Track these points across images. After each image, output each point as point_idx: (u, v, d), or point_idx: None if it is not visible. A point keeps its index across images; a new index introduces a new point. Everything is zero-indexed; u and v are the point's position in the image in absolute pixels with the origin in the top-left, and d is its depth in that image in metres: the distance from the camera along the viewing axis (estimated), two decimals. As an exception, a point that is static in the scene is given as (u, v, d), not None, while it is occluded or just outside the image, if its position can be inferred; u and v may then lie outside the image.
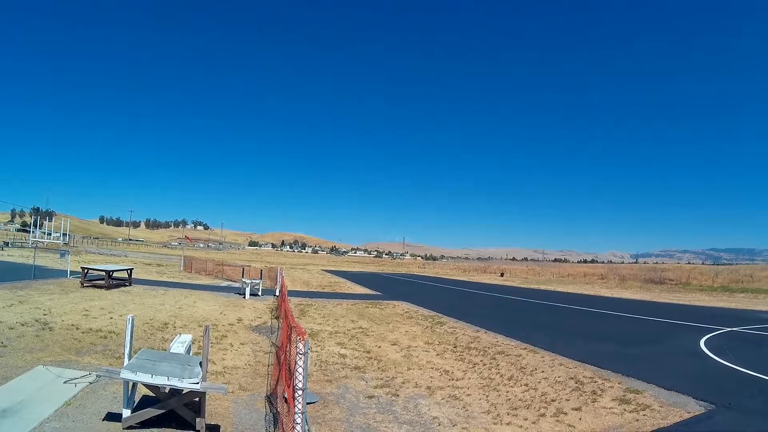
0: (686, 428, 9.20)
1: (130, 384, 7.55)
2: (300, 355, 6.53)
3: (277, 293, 26.30)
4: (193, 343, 10.60)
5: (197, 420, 7.56)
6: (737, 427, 9.37)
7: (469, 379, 12.37)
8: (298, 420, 6.36)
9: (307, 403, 8.23)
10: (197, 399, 7.66)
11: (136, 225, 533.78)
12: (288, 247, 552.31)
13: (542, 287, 62.65)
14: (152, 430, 7.48)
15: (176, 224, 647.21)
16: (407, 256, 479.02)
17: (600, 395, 11.17)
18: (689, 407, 10.43)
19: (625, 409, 10.15)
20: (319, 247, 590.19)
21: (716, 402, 10.76)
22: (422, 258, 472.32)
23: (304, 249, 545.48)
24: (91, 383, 9.28)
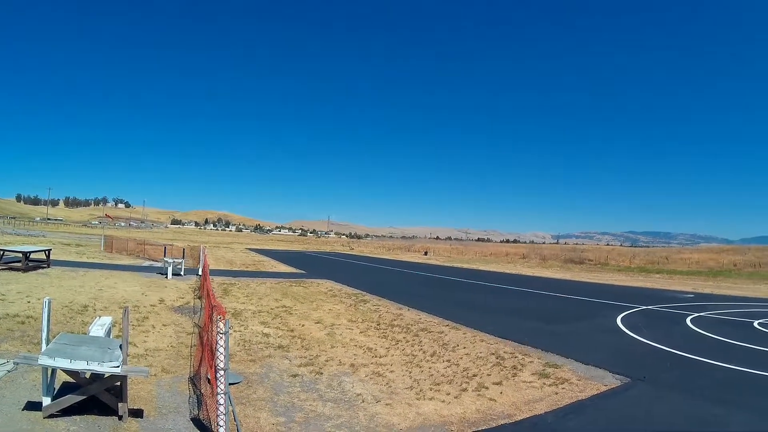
0: (603, 400, 9.72)
1: (49, 370, 7.19)
2: (221, 335, 6.42)
3: (200, 273, 25.75)
4: (113, 325, 10.24)
5: (119, 405, 7.32)
6: (651, 399, 9.99)
7: (393, 355, 12.53)
8: (221, 401, 6.31)
9: (231, 384, 8.12)
10: (119, 383, 7.42)
11: (54, 203, 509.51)
12: (212, 225, 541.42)
13: (465, 266, 64.22)
14: (74, 417, 7.18)
15: (96, 202, 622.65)
16: (332, 235, 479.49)
17: (520, 370, 11.61)
18: (606, 380, 11.04)
19: (544, 383, 10.59)
20: (243, 225, 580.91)
21: (631, 375, 11.45)
22: (347, 236, 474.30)
23: (228, 227, 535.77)
24: (9, 371, 8.80)
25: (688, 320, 20.97)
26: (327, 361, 11.66)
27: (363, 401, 8.91)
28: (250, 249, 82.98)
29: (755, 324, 20.41)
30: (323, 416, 8.04)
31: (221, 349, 6.41)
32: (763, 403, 9.88)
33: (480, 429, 7.91)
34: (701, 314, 23.08)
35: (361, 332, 15.39)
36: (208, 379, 7.84)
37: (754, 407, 9.58)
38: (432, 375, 10.92)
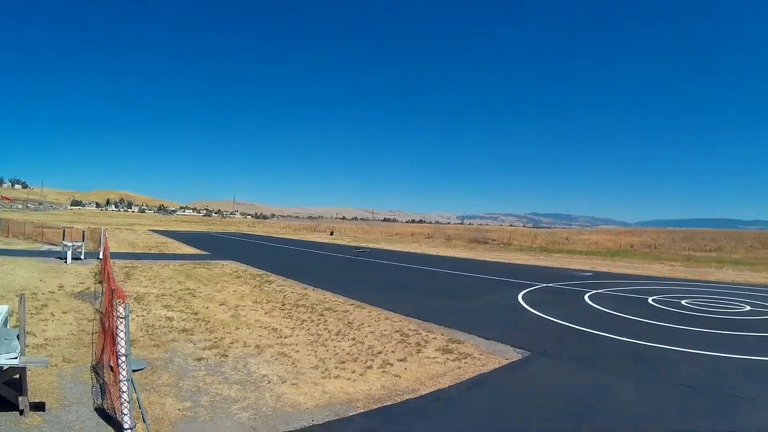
0: (504, 373, 10.12)
1: (-57, 365, 6.70)
2: (121, 319, 6.19)
3: (101, 256, 24.69)
4: (10, 314, 9.61)
5: (20, 399, 6.87)
6: (550, 371, 10.53)
7: (298, 336, 12.49)
8: (124, 388, 6.10)
9: (134, 370, 7.83)
10: (18, 376, 6.98)
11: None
12: (113, 206, 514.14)
13: (371, 245, 64.62)
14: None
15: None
16: (237, 215, 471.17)
17: (424, 346, 11.87)
18: (507, 354, 11.49)
19: (448, 358, 10.89)
20: (146, 206, 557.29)
21: (532, 349, 12.00)
22: (253, 217, 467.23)
23: (131, 208, 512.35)
24: None
25: (586, 297, 22.08)
26: (232, 343, 11.47)
27: (269, 382, 8.83)
28: (153, 230, 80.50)
29: (649, 300, 21.75)
30: (229, 399, 7.91)
31: (122, 335, 6.19)
32: (652, 373, 10.61)
33: (385, 405, 8.02)
34: (599, 291, 24.34)
35: (266, 313, 15.24)
36: (111, 366, 7.54)
37: (645, 376, 10.30)
38: (337, 354, 10.97)
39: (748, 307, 20.92)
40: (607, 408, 8.38)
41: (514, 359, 11.15)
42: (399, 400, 8.25)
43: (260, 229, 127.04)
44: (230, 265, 29.24)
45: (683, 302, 21.50)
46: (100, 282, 18.88)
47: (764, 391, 9.65)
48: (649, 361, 11.67)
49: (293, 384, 8.78)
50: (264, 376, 9.18)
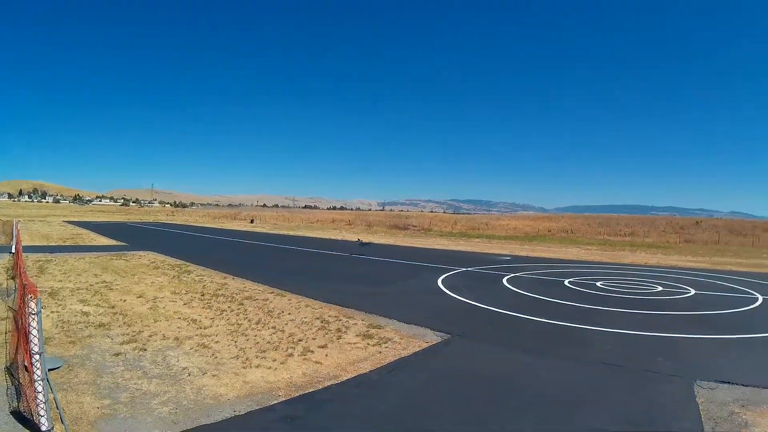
0: (425, 356, 10.35)
1: None
2: (33, 316, 5.97)
3: (14, 250, 23.46)
4: None
5: None
6: (469, 352, 10.85)
7: (218, 326, 12.32)
8: (40, 388, 5.91)
9: (50, 369, 7.55)
10: None
11: None
12: (26, 196, 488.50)
13: (291, 233, 64.38)
14: None
15: None
16: (156, 204, 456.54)
17: (345, 332, 11.96)
18: (427, 338, 11.76)
19: (368, 344, 11.04)
20: (61, 195, 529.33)
21: (451, 332, 12.33)
22: (171, 205, 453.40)
23: (45, 198, 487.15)
24: None
25: (504, 280, 22.74)
26: (151, 336, 11.20)
27: (189, 375, 8.69)
28: (68, 221, 77.45)
29: (566, 282, 22.62)
30: (149, 394, 7.74)
31: (35, 332, 6.00)
32: (568, 351, 11.14)
33: (307, 392, 8.05)
34: (517, 275, 25.10)
35: (185, 304, 14.94)
36: (26, 366, 7.24)
37: (561, 354, 10.81)
38: (258, 343, 10.90)
39: (660, 288, 22.10)
40: (527, 387, 8.72)
41: (434, 342, 11.41)
42: (320, 386, 8.30)
43: (179, 218, 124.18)
44: (148, 256, 28.46)
45: (598, 284, 22.47)
46: (13, 278, 18.03)
47: (678, 366, 10.30)
48: (567, 340, 12.20)
49: (214, 375, 8.68)
50: (184, 368, 9.03)
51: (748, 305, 18.46)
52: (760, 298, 20.04)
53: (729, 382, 9.31)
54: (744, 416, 7.82)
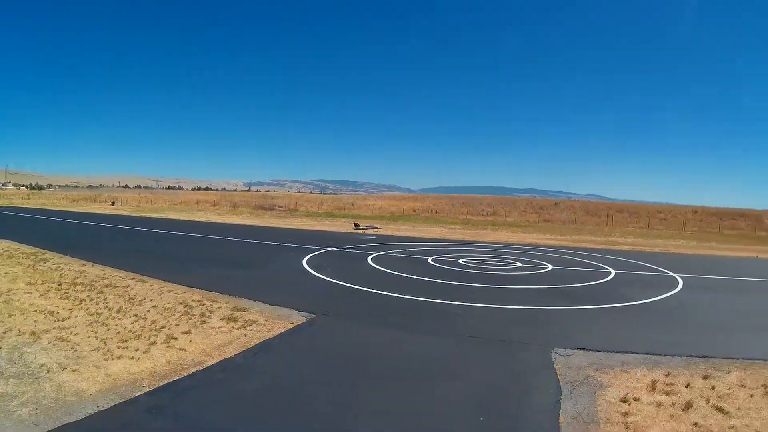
0: (290, 337, 10.58)
1: None
2: None
3: None
4: None
5: None
6: (334, 330, 11.25)
7: (76, 317, 11.80)
8: None
9: None
10: None
11: None
12: None
13: (155, 215, 62.02)
14: None
15: None
16: (10, 186, 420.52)
17: (209, 317, 11.89)
18: (293, 318, 11.99)
19: (233, 327, 11.07)
20: None
21: (316, 311, 12.64)
22: (27, 188, 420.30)
23: None
24: None
25: (369, 259, 23.41)
26: (5, 332, 10.56)
27: (48, 371, 8.35)
28: None
29: (429, 260, 23.63)
30: (7, 396, 7.37)
31: None
32: (432, 325, 11.91)
33: (172, 380, 7.99)
34: (382, 253, 25.90)
35: (41, 295, 14.13)
36: None
37: (425, 329, 11.53)
38: (119, 332, 10.62)
39: (519, 264, 23.63)
40: (391, 362, 9.21)
41: (299, 322, 11.66)
42: (185, 374, 8.25)
43: (36, 202, 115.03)
44: (0, 244, 26.51)
45: (461, 261, 23.68)
46: None
47: (536, 336, 11.33)
48: (430, 315, 12.95)
49: (74, 370, 8.41)
50: (42, 365, 8.67)
51: (602, 279, 20.28)
52: (613, 272, 22.04)
53: (584, 349, 10.36)
54: (599, 378, 8.75)
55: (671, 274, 22.47)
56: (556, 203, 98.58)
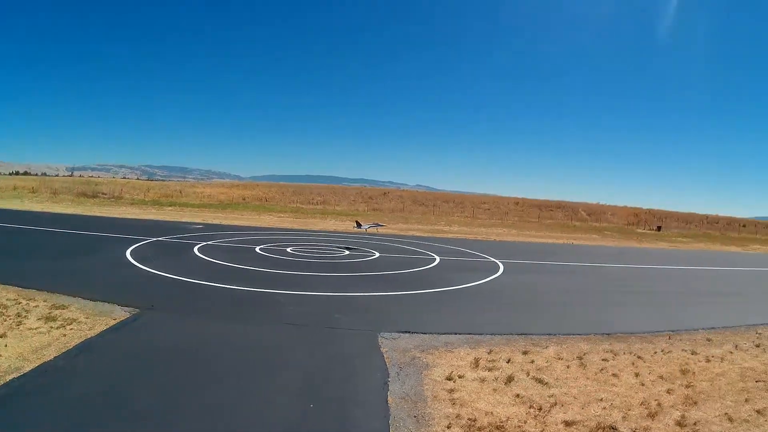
0: (112, 334, 10.40)
1: None
2: None
3: None
4: None
5: None
6: (159, 325, 11.23)
7: None
8: None
9: None
10: None
11: None
12: None
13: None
14: None
15: None
16: None
17: (25, 317, 11.21)
18: (115, 314, 11.73)
19: (51, 327, 10.57)
20: None
21: (140, 306, 12.47)
22: None
23: None
24: None
25: (196, 249, 23.15)
26: None
27: None
28: None
29: (257, 249, 23.83)
30: None
31: None
32: (257, 315, 12.47)
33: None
34: (209, 243, 25.69)
35: None
36: None
37: (250, 319, 12.03)
38: None
39: (347, 252, 24.50)
40: (218, 355, 9.51)
41: (122, 318, 11.46)
42: (1, 382, 7.76)
43: None
44: None
45: (289, 249, 24.11)
46: None
47: (363, 321, 12.20)
48: (256, 305, 13.43)
49: None
50: None
51: (427, 265, 21.58)
52: (438, 259, 23.50)
53: (409, 332, 11.29)
54: (425, 359, 9.62)
55: (492, 259, 24.52)
56: (385, 193, 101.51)
